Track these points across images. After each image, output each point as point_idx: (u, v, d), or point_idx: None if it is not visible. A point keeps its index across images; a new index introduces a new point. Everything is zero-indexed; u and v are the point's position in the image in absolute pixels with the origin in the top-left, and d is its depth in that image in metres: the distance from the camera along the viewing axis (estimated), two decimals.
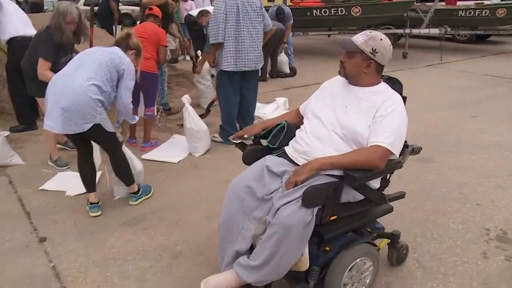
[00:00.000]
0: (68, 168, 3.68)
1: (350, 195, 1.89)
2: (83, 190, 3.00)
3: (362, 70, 1.94)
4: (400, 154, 1.94)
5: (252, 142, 2.22)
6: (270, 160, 1.99)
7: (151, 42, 4.01)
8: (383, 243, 2.25)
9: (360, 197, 1.92)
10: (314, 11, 9.41)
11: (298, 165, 1.90)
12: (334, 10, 8.76)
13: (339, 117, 1.93)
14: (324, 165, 1.83)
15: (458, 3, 10.33)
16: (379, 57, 1.91)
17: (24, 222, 2.85)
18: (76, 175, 2.97)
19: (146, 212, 2.97)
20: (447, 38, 10.65)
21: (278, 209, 1.75)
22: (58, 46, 3.38)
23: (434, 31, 9.19)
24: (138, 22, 5.27)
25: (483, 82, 7.12)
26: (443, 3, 10.19)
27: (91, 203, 2.91)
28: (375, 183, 1.96)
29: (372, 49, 1.89)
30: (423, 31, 9.30)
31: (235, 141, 2.20)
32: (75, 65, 2.68)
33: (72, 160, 3.66)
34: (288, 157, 1.99)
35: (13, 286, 2.24)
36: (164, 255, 2.49)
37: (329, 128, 1.93)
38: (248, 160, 2.12)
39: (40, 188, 3.31)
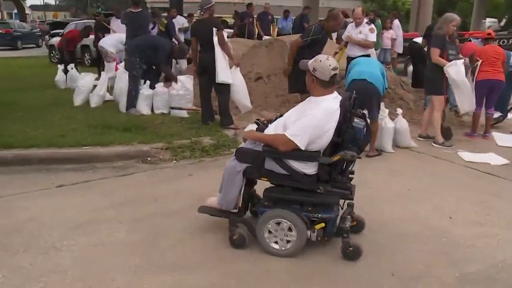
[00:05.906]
0: (453, 147, 4.83)
1: (272, 165, 2.61)
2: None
3: (311, 84, 2.63)
4: (332, 154, 2.56)
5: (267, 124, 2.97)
6: None
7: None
8: (318, 225, 2.60)
9: (282, 170, 2.59)
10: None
11: None
12: None
13: (288, 113, 2.73)
14: (255, 138, 2.75)
15: None
16: (318, 74, 2.56)
17: None
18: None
19: None
20: None
21: None
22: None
23: None
24: None
25: None
26: None
27: None
28: (306, 168, 2.57)
29: (313, 68, 2.57)
30: None
31: (256, 121, 3.10)
32: None
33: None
34: None
35: None
36: None
37: (281, 119, 2.72)
38: None
39: (467, 160, 4.45)
